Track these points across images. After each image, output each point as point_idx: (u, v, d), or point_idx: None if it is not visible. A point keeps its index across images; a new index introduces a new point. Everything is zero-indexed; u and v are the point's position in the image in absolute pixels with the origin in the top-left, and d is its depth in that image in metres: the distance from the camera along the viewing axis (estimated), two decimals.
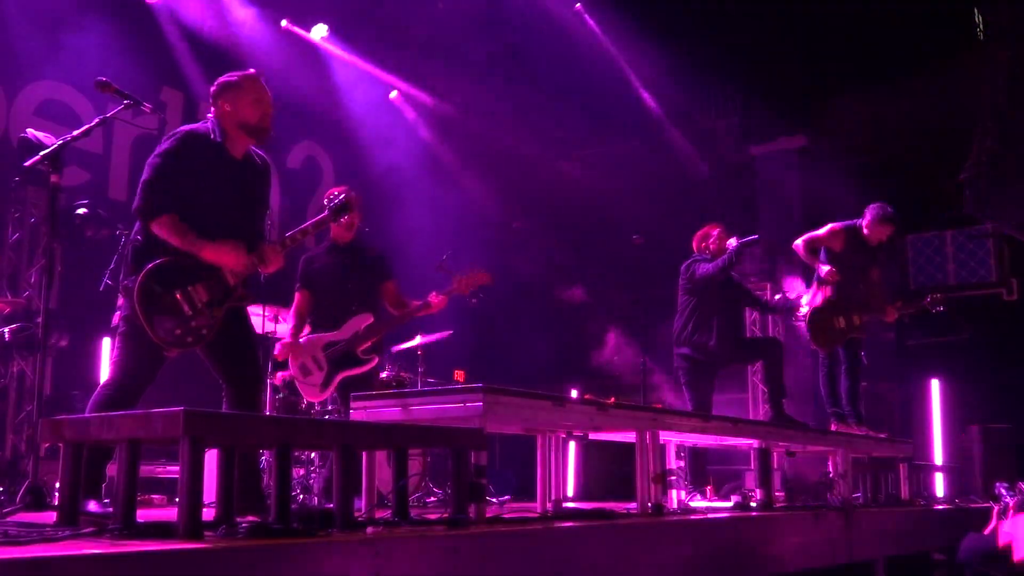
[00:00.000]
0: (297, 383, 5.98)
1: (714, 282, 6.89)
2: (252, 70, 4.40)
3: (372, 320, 5.86)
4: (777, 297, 7.95)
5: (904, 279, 11.06)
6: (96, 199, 7.76)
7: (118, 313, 4.16)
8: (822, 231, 7.20)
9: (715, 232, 7.08)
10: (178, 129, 4.19)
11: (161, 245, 4.02)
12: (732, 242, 6.82)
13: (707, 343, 6.92)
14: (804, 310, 7.16)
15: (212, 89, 4.31)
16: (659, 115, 12.08)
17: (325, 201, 4.83)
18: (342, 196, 4.72)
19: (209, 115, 4.29)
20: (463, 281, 5.84)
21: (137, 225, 4.14)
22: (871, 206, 7.27)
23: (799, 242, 7.21)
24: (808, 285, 7.47)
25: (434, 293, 5.83)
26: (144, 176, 4.06)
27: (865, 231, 7.23)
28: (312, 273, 6.07)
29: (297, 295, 6.09)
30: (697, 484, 6.79)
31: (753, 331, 10.55)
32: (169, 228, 4.00)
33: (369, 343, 5.85)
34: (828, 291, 7.12)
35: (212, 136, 4.20)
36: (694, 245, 7.22)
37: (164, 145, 4.10)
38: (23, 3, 8.13)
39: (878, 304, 7.36)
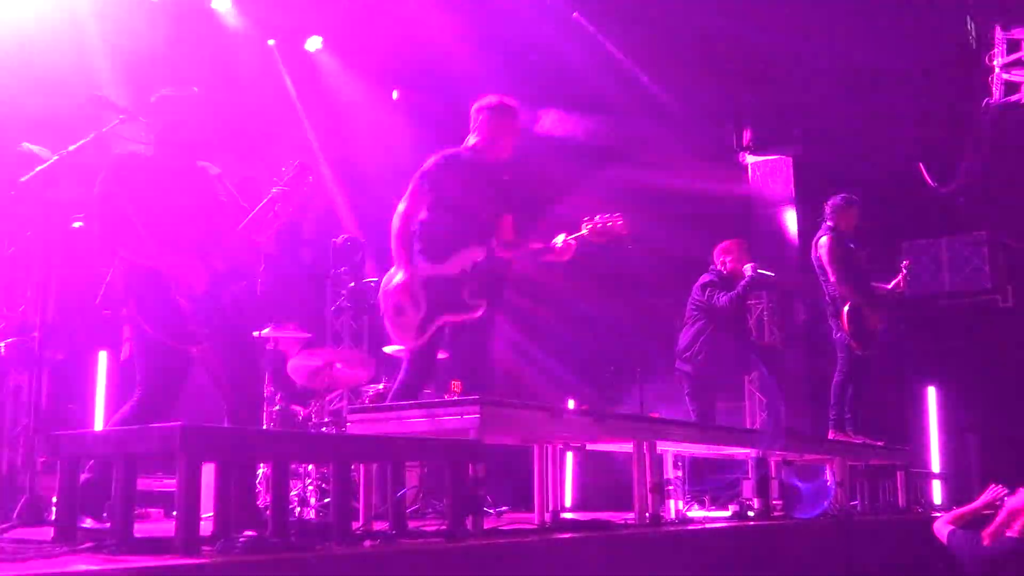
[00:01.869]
0: (387, 322, 4.88)
1: (728, 311, 6.90)
2: (194, 87, 4.43)
3: (483, 257, 4.79)
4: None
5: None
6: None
7: (127, 344, 4.21)
8: (828, 256, 7.11)
9: (735, 250, 7.09)
10: (109, 156, 4.26)
11: (135, 268, 4.09)
12: (748, 269, 6.86)
13: (711, 363, 6.91)
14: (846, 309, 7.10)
15: (155, 100, 4.33)
16: (656, 127, 12.09)
17: (280, 175, 4.47)
18: (296, 162, 4.48)
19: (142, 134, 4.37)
20: (596, 225, 4.87)
21: (115, 264, 4.19)
22: (828, 204, 7.32)
23: (845, 295, 7.14)
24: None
25: (564, 235, 4.87)
26: (94, 210, 4.17)
27: (842, 228, 7.27)
28: (444, 179, 4.82)
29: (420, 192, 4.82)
30: (696, 493, 6.79)
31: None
32: (128, 245, 4.08)
33: (476, 285, 4.74)
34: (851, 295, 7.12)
35: (143, 153, 4.30)
36: (714, 256, 7.23)
37: (101, 176, 4.18)
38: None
39: (881, 300, 7.45)
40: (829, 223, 7.29)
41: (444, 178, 4.78)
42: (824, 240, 7.16)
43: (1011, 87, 8.82)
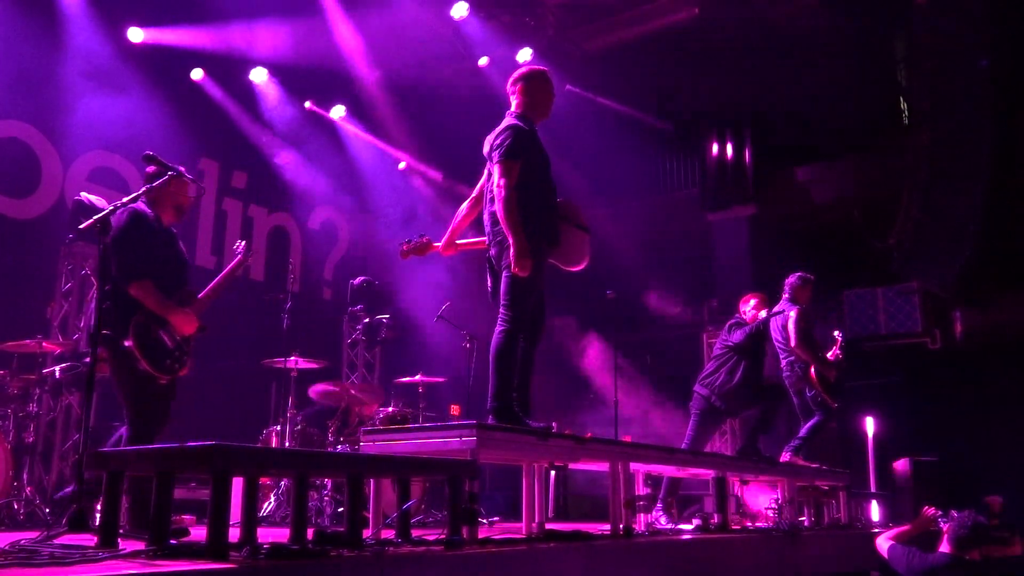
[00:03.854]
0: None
1: (744, 347, 6.91)
2: (182, 167, 4.41)
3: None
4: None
5: (841, 329, 11.09)
6: None
7: (106, 364, 4.26)
8: (794, 327, 7.10)
9: (755, 301, 7.18)
10: (126, 208, 4.22)
11: (134, 304, 4.23)
12: (762, 314, 6.98)
13: (729, 394, 6.85)
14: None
15: (168, 176, 4.26)
16: (631, 185, 12.16)
17: (234, 251, 4.98)
18: (246, 242, 5.02)
19: (140, 192, 4.26)
20: None
21: (108, 290, 4.21)
22: (790, 282, 7.36)
23: (807, 361, 7.19)
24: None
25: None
26: (118, 251, 4.22)
27: (801, 303, 7.29)
28: (524, 150, 4.33)
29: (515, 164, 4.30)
30: (667, 506, 6.72)
31: None
32: (147, 291, 4.25)
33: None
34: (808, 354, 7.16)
35: (149, 212, 4.41)
36: (739, 306, 7.33)
37: (122, 222, 4.24)
38: (78, 82, 8.16)
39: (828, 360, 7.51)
40: (788, 297, 7.31)
41: (524, 149, 4.32)
42: (793, 314, 7.16)
43: None
